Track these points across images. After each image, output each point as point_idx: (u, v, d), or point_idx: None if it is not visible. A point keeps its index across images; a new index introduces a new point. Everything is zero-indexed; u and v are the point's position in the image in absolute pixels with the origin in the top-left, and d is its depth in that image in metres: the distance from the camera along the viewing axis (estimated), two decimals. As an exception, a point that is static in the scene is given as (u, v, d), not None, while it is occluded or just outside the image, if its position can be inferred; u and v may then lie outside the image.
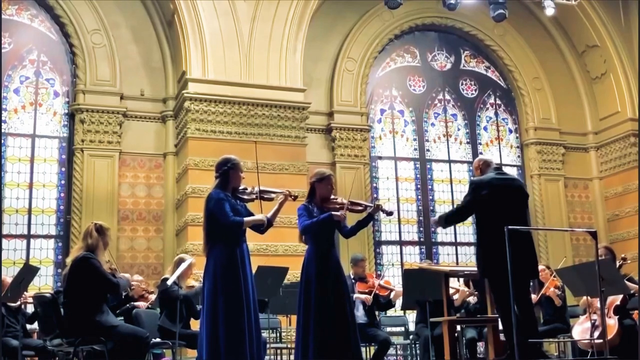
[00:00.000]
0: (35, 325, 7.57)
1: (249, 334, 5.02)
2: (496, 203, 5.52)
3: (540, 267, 8.13)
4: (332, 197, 5.71)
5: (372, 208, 5.74)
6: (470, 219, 12.41)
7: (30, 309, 8.02)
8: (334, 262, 5.60)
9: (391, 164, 12.59)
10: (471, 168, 12.87)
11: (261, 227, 5.35)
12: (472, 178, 5.92)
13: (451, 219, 5.93)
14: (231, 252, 5.12)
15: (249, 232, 5.35)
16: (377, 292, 7.57)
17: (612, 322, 6.91)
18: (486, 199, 5.53)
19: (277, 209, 5.38)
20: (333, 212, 5.52)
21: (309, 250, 5.61)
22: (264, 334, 6.30)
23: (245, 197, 5.36)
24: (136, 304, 7.59)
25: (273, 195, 5.41)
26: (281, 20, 10.94)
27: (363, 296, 7.51)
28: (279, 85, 10.80)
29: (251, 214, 5.36)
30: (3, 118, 10.47)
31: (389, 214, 5.92)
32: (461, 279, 7.94)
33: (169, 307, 6.74)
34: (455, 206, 5.92)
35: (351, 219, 5.77)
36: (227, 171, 5.27)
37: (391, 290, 7.73)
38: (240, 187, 5.36)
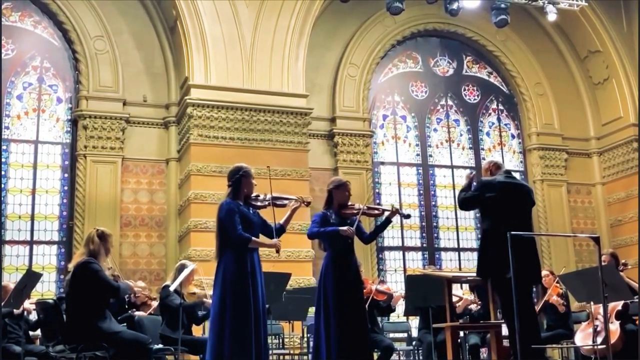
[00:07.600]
0: (39, 332, 7.55)
1: (257, 342, 5.05)
2: (503, 206, 5.51)
3: (544, 272, 8.12)
4: (349, 203, 5.83)
5: (390, 212, 5.79)
6: (473, 224, 12.62)
7: (32, 315, 8.01)
8: (352, 268, 5.70)
9: (393, 170, 12.58)
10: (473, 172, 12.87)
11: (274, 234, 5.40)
12: (482, 178, 5.90)
13: (460, 200, 5.84)
14: (241, 260, 5.18)
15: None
16: (374, 297, 7.56)
17: (615, 327, 6.89)
18: (493, 200, 5.52)
19: (289, 215, 5.51)
20: (340, 228, 5.61)
21: (327, 256, 5.69)
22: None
23: (259, 204, 5.45)
24: (137, 313, 7.57)
25: (285, 202, 5.50)
26: (283, 26, 10.95)
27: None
28: (281, 91, 10.80)
29: (264, 222, 5.46)
30: (6, 124, 10.51)
31: (407, 217, 6.14)
32: (465, 286, 7.93)
33: (169, 316, 6.74)
34: (469, 192, 5.81)
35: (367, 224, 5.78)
36: (240, 179, 5.36)
37: (389, 295, 7.72)
38: (253, 195, 5.44)
